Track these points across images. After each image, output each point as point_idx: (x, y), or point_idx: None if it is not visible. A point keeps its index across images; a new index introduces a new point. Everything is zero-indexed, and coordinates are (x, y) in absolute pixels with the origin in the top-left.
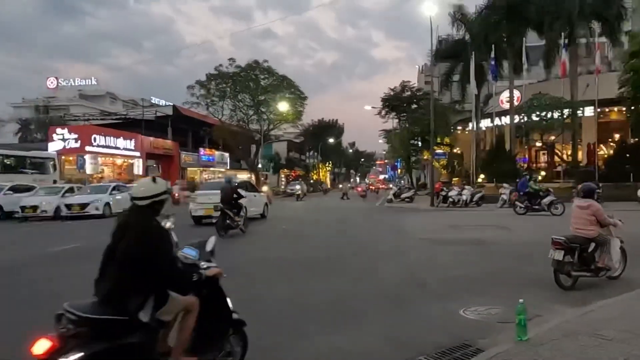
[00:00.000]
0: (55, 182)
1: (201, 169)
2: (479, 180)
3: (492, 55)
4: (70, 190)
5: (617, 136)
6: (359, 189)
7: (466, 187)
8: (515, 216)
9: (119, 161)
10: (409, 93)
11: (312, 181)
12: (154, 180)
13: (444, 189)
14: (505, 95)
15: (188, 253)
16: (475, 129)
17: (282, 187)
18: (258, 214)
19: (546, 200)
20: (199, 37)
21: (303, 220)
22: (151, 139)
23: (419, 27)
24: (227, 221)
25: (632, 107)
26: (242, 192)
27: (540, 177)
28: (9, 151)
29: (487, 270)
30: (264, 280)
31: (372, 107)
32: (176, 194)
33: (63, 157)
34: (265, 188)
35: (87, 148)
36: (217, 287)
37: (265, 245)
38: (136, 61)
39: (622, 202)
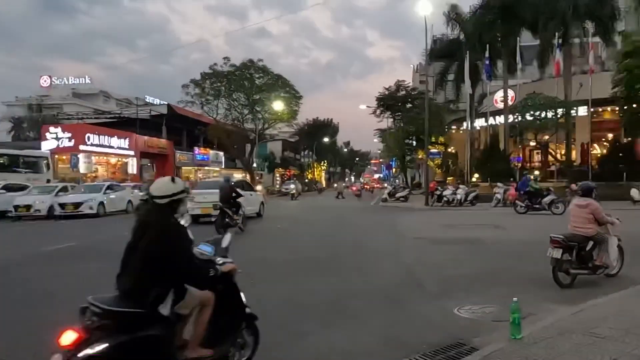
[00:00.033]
0: (48, 181)
1: (196, 168)
2: (474, 179)
3: (487, 54)
4: (64, 189)
5: (610, 136)
6: (354, 188)
7: (460, 186)
8: (509, 215)
9: (113, 160)
10: (403, 92)
11: (307, 180)
12: (172, 179)
13: (439, 188)
14: (499, 94)
15: (204, 249)
16: (469, 128)
17: (277, 186)
18: (254, 213)
19: (547, 199)
20: (194, 36)
21: (298, 220)
22: (145, 138)
23: (414, 27)
24: (226, 220)
25: (625, 107)
26: (239, 191)
27: (532, 177)
28: (2, 150)
29: (482, 269)
30: (263, 280)
31: (367, 107)
32: None
33: (56, 156)
34: (259, 187)
35: (81, 147)
36: (231, 283)
37: (262, 245)
38: (130, 60)
39: (616, 201)
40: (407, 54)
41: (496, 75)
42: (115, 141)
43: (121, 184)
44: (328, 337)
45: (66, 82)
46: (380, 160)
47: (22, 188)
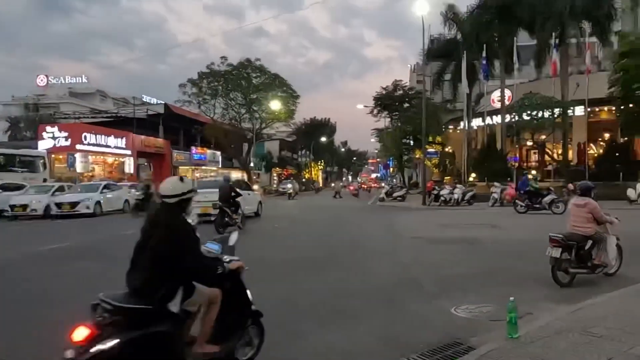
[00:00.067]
0: (45, 180)
1: (193, 167)
2: (471, 179)
3: (484, 54)
4: (61, 188)
5: (607, 135)
6: (351, 187)
7: (458, 186)
8: (506, 215)
9: (109, 160)
10: (401, 92)
11: (304, 180)
12: (181, 179)
13: (436, 187)
14: (496, 94)
15: (211, 247)
16: (466, 128)
17: (275, 185)
18: (252, 212)
19: (547, 198)
20: (191, 35)
21: (296, 219)
22: (142, 137)
23: (411, 27)
24: (226, 219)
25: (622, 107)
26: (239, 190)
27: (530, 176)
28: None
29: (479, 269)
30: (260, 280)
31: (365, 106)
32: None
33: (53, 156)
34: (255, 187)
35: (78, 146)
36: (238, 280)
37: (260, 244)
38: (127, 59)
39: (612, 201)
40: (404, 54)
41: (493, 75)
42: (112, 140)
43: (118, 184)
44: (326, 337)
45: (63, 82)
46: (378, 159)
47: (18, 187)
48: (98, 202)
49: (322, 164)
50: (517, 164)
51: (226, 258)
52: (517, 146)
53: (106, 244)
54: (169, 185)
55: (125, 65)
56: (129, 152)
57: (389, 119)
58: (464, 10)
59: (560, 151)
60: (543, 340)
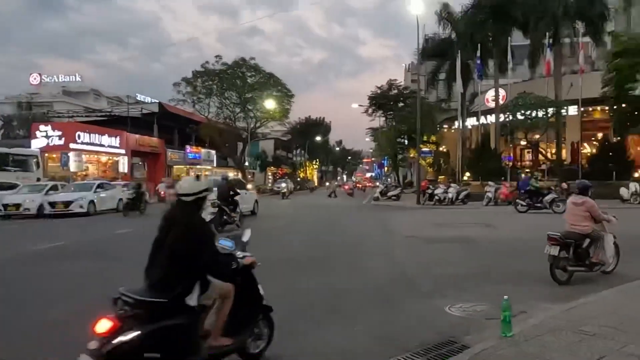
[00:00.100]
0: (38, 179)
1: (187, 166)
2: (465, 178)
3: (478, 54)
4: (54, 188)
5: (600, 135)
6: (346, 187)
7: (452, 185)
8: (501, 214)
9: (103, 159)
10: (395, 91)
11: (299, 179)
12: (197, 178)
13: (430, 187)
14: (490, 94)
15: (224, 244)
16: (461, 127)
17: (269, 185)
18: (249, 211)
19: (548, 198)
20: (186, 34)
21: (291, 219)
22: (137, 136)
23: (406, 26)
24: (224, 217)
25: (615, 107)
26: (237, 189)
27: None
28: None
29: (473, 268)
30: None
31: (359, 105)
32: (162, 192)
33: (46, 155)
34: (249, 186)
35: (71, 145)
36: (250, 275)
37: (255, 243)
38: (121, 58)
39: (606, 200)
40: (399, 53)
41: (487, 74)
42: (106, 139)
43: (112, 183)
44: (322, 336)
45: (56, 80)
46: (372, 159)
47: (11, 187)
48: (92, 202)
49: (317, 164)
50: (511, 163)
51: (239, 254)
52: (511, 145)
53: (100, 243)
54: (186, 184)
55: (119, 64)
56: (123, 151)
57: (384, 118)
58: (459, 10)
59: (553, 150)
60: (536, 339)
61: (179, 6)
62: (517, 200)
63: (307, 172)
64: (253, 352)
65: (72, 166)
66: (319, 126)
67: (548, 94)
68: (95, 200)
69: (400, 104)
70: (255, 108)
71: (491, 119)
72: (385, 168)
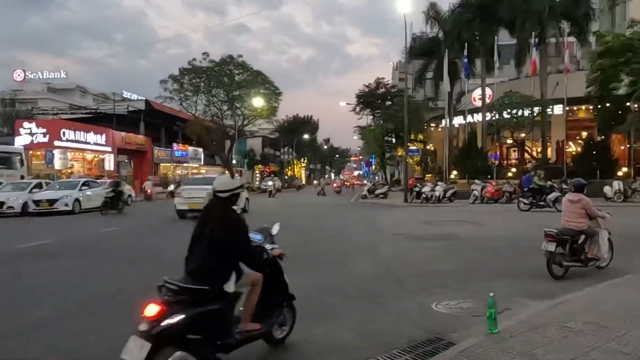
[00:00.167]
0: (22, 177)
1: (174, 164)
2: (452, 176)
3: (465, 53)
4: (39, 185)
5: (584, 134)
6: (335, 184)
7: (439, 183)
8: (487, 212)
9: (89, 156)
10: (383, 90)
11: (287, 177)
12: (232, 176)
13: (418, 185)
14: (477, 92)
15: (254, 237)
16: (448, 126)
17: (257, 183)
18: (240, 209)
19: (551, 196)
20: (172, 30)
21: (280, 216)
22: (123, 134)
23: (394, 25)
24: None
25: (599, 106)
26: None
27: (511, 174)
28: None
29: (459, 265)
30: None
31: (347, 104)
32: (148, 190)
33: (31, 152)
34: None
35: (56, 143)
36: (278, 266)
37: None
38: (107, 54)
39: (590, 198)
40: (387, 52)
41: (474, 73)
42: (91, 137)
43: (97, 181)
44: (307, 332)
45: (41, 77)
46: (360, 157)
47: None
48: (77, 200)
49: (305, 162)
50: (497, 162)
51: (268, 246)
52: (497, 144)
53: (85, 241)
54: (222, 182)
55: (105, 61)
56: (109, 148)
57: (372, 117)
58: (446, 9)
59: (539, 149)
60: (521, 335)
61: (165, 2)
62: (520, 199)
63: (295, 170)
64: (278, 337)
65: (57, 164)
66: (307, 124)
67: (534, 93)
68: (80, 199)
69: (388, 103)
70: (243, 106)
71: (478, 117)
72: (373, 166)
